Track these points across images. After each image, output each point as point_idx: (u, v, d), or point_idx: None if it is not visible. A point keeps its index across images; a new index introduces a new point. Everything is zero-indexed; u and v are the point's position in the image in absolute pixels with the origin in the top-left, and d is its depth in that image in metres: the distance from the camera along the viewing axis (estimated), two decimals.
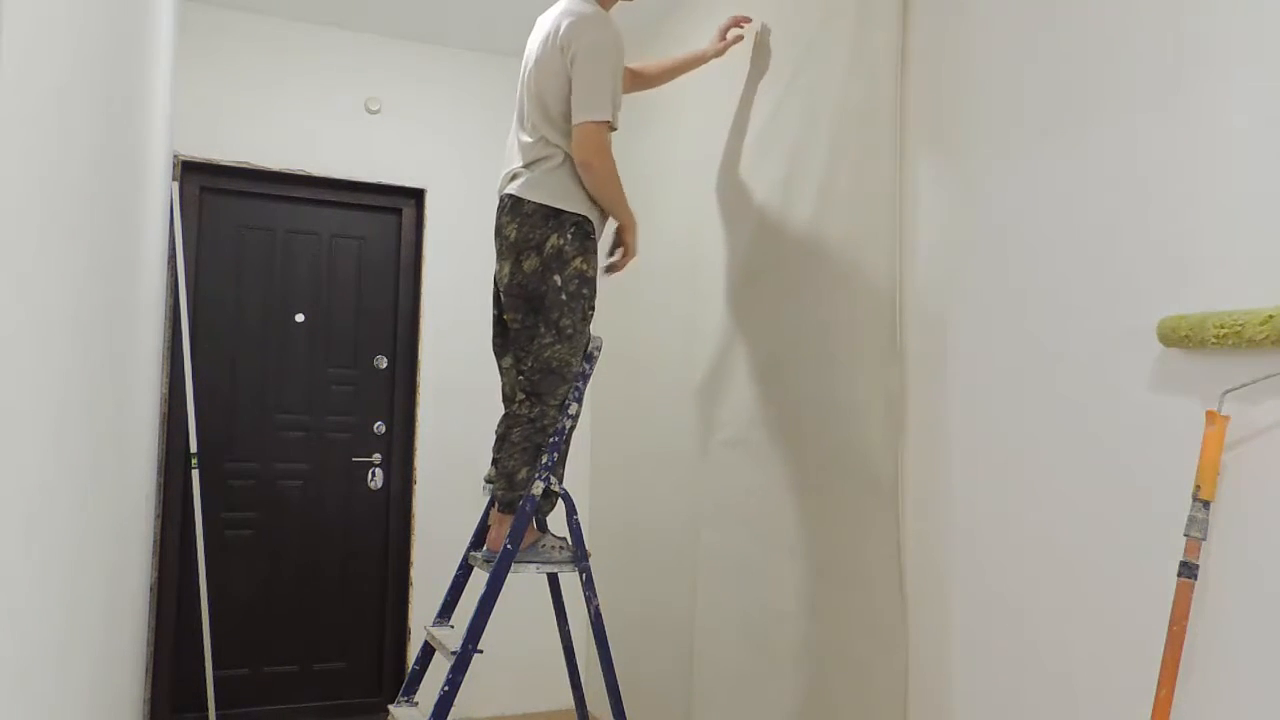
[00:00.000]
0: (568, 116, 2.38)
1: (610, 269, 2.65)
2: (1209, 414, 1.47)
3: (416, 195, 4.08)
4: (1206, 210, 1.53)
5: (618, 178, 2.45)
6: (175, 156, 3.61)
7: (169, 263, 3.52)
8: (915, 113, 2.21)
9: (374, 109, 3.97)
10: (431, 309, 4.02)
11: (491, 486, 2.53)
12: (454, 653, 2.31)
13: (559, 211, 2.38)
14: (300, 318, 3.92)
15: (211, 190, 3.82)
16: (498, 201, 2.52)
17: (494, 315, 2.61)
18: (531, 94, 2.45)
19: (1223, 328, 1.43)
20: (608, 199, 2.46)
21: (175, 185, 3.59)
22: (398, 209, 4.10)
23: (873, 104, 2.29)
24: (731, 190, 2.96)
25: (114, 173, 1.35)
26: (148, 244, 2.27)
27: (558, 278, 2.37)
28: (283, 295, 3.90)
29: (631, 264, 2.65)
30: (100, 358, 1.26)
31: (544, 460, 2.42)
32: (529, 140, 2.44)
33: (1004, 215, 1.94)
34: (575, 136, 2.35)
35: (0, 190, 0.63)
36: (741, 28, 2.84)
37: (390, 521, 3.98)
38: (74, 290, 0.99)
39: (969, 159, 2.04)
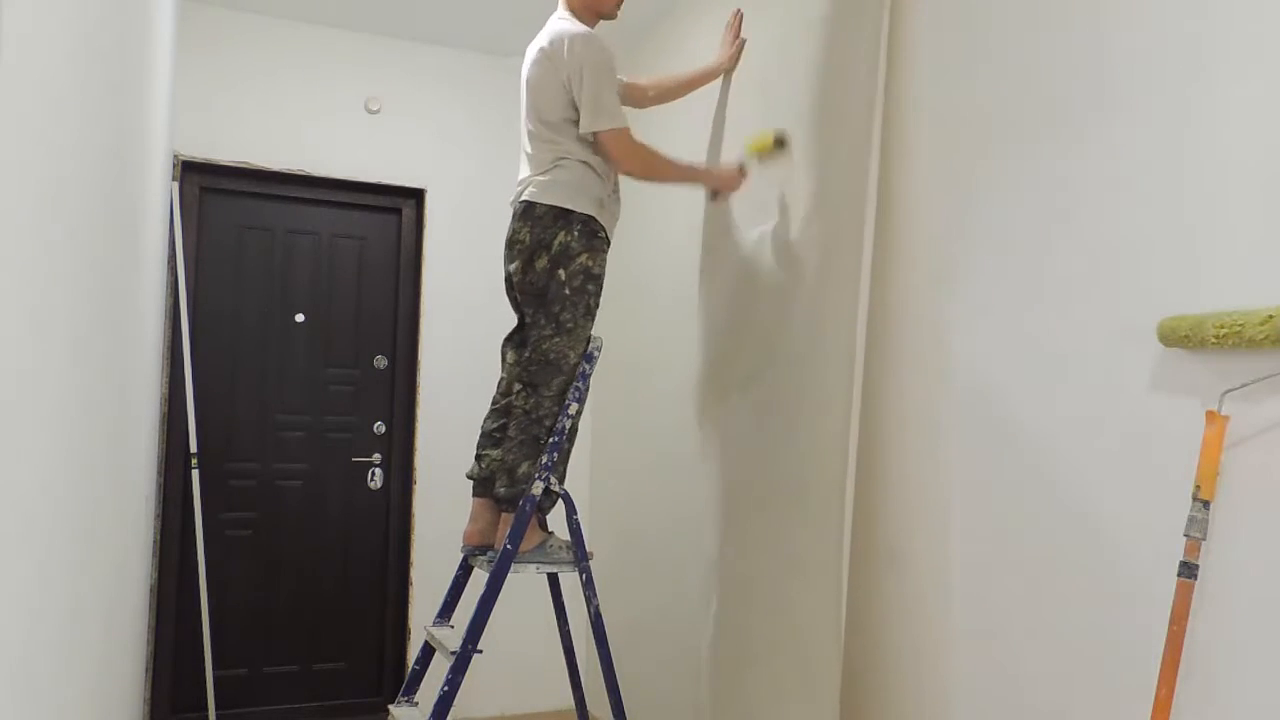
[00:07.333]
0: (570, 121, 2.47)
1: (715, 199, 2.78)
2: (1209, 414, 1.47)
3: (416, 195, 4.08)
4: (1206, 210, 1.53)
5: (663, 160, 2.56)
6: (175, 156, 3.61)
7: (169, 263, 3.52)
8: (915, 111, 2.21)
9: (374, 109, 3.97)
10: (431, 309, 4.02)
11: (479, 469, 2.61)
12: (454, 653, 2.32)
13: (568, 211, 2.46)
14: (300, 318, 3.92)
15: (211, 190, 3.82)
16: (511, 212, 2.57)
17: (518, 312, 2.69)
18: (531, 112, 2.54)
19: (1223, 328, 1.43)
20: (671, 178, 2.70)
21: (175, 185, 3.59)
22: (398, 209, 4.10)
23: (854, 102, 2.30)
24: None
25: (114, 172, 1.35)
26: (148, 244, 2.27)
27: (562, 272, 2.45)
28: (283, 295, 3.90)
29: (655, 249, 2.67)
30: (100, 357, 1.26)
31: (544, 460, 2.43)
32: (536, 151, 2.54)
33: (1004, 215, 1.94)
34: (606, 147, 2.46)
35: None
36: (739, 35, 2.86)
37: (390, 521, 3.98)
38: (74, 290, 0.99)
39: (968, 158, 2.04)
